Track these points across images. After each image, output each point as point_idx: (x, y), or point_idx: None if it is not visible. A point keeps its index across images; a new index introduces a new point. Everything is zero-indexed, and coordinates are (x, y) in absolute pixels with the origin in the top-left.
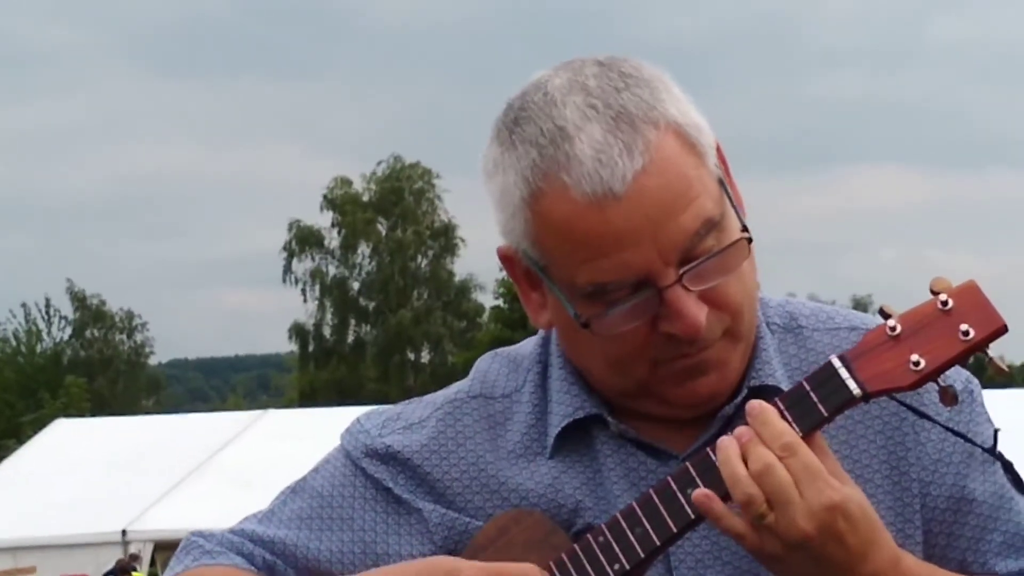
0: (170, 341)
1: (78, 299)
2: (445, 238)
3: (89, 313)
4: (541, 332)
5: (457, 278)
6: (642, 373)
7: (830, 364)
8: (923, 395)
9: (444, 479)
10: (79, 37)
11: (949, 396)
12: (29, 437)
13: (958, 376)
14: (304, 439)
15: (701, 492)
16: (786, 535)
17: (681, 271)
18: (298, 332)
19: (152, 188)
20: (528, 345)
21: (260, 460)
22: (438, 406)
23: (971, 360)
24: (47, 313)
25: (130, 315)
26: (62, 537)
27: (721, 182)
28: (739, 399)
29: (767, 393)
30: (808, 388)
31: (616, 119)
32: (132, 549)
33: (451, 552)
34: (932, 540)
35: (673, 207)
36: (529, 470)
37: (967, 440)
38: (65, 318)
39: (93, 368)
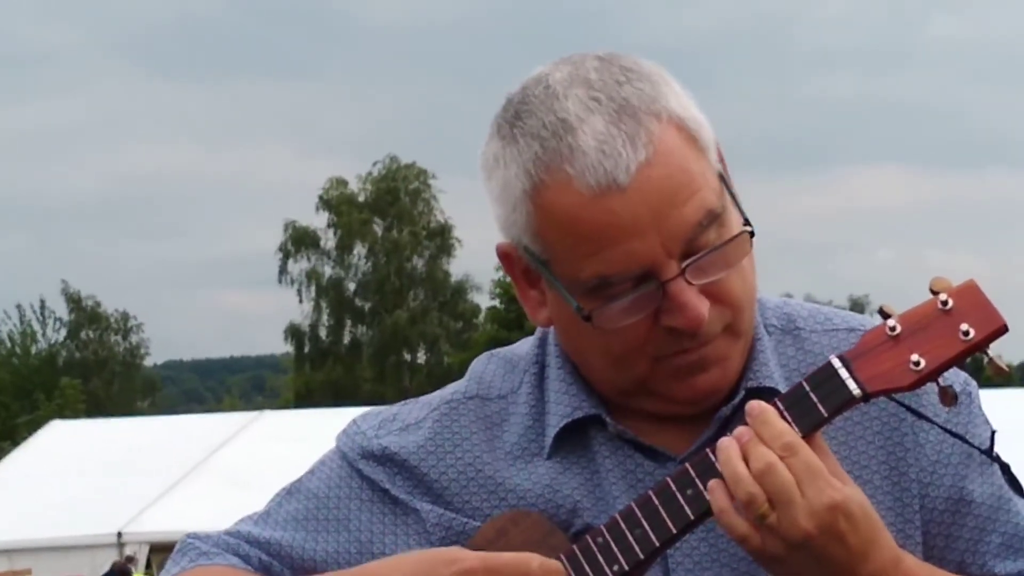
0: (165, 342)
1: (73, 300)
2: (441, 239)
3: (84, 314)
4: (538, 332)
5: (453, 279)
6: (642, 369)
7: (830, 364)
8: (922, 396)
9: (441, 480)
10: (78, 37)
11: (949, 396)
12: (24, 439)
13: (956, 378)
14: (300, 440)
15: (717, 482)
16: (788, 535)
17: (684, 264)
18: (294, 333)
19: (149, 188)
20: (524, 346)
21: (256, 461)
22: (434, 407)
23: (968, 361)
24: (42, 314)
25: (125, 316)
26: (58, 539)
27: (722, 177)
28: (736, 400)
29: (765, 395)
30: (808, 388)
31: (619, 111)
32: (128, 551)
33: None
34: (931, 541)
35: (676, 198)
36: (527, 471)
37: (965, 442)
38: (60, 319)
39: (88, 370)
